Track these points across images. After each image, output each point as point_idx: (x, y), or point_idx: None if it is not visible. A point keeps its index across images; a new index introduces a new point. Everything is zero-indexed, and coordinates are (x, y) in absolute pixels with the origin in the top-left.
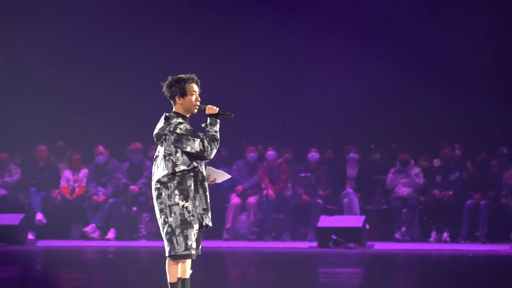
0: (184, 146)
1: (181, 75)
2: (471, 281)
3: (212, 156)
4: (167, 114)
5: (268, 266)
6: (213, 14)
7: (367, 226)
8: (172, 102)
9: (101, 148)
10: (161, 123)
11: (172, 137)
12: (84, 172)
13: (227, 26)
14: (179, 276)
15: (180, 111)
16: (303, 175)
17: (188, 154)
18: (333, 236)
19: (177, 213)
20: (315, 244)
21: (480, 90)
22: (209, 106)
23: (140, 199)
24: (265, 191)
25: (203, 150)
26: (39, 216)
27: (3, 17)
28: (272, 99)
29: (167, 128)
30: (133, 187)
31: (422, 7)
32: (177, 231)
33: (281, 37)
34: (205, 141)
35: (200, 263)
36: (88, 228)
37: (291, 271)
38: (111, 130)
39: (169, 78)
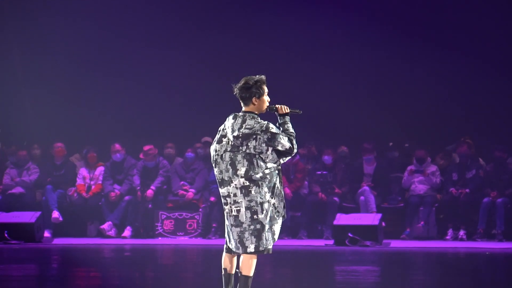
0: (277, 144)
1: (254, 77)
2: (488, 279)
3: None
4: (247, 113)
5: (285, 264)
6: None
7: (383, 224)
8: (245, 102)
9: (117, 146)
10: (248, 122)
11: (265, 136)
12: (100, 169)
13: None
14: (229, 270)
15: (254, 111)
16: (319, 173)
17: (279, 152)
18: (350, 234)
19: (267, 210)
20: (331, 242)
21: (497, 87)
22: (280, 105)
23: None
24: None
25: (292, 147)
26: (55, 214)
27: (24, 19)
28: (286, 97)
29: (258, 127)
30: (149, 192)
31: (443, 4)
32: (266, 227)
33: (287, 35)
34: (292, 138)
35: (217, 261)
36: (105, 226)
37: (308, 269)
38: (127, 128)
39: (247, 79)
